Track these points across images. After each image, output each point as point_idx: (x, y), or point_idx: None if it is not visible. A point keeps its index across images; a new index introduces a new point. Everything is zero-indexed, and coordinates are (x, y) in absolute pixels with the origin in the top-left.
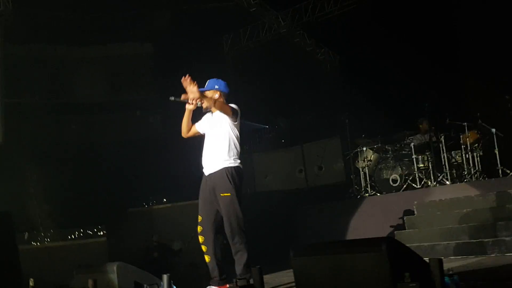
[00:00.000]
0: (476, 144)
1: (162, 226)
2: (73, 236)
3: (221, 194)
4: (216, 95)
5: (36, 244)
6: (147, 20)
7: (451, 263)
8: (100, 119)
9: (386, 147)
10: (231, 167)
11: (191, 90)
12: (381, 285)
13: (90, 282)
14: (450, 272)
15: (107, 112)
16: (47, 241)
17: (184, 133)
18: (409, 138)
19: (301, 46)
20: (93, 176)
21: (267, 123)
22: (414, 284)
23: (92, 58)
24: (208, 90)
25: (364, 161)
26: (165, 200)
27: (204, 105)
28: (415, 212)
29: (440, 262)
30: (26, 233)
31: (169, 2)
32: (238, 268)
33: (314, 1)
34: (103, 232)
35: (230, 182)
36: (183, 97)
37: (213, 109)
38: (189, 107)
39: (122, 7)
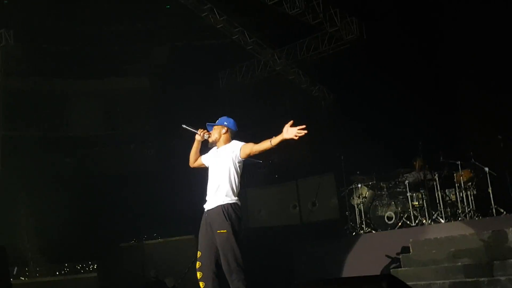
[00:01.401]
0: (470, 183)
1: (154, 262)
2: (63, 272)
3: (218, 231)
4: (223, 130)
5: (26, 279)
6: (144, 55)
7: None
8: (95, 152)
9: (381, 184)
10: (227, 203)
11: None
12: None
13: None
14: None
15: (102, 145)
16: (37, 276)
17: (191, 163)
18: (403, 175)
19: (296, 83)
20: (86, 210)
21: (261, 158)
22: None
23: (89, 92)
24: (217, 125)
25: (359, 198)
26: (155, 235)
27: (211, 139)
28: (411, 250)
29: None
30: (16, 268)
31: (167, 38)
32: None
33: (309, 40)
34: (93, 267)
35: (226, 219)
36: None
37: (218, 144)
38: (197, 138)
39: (120, 42)
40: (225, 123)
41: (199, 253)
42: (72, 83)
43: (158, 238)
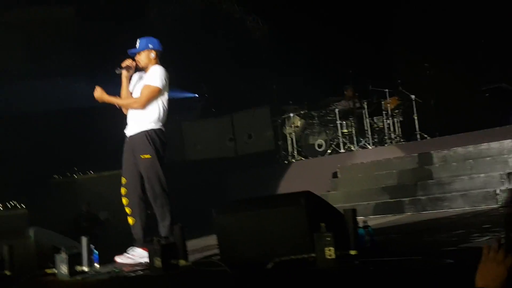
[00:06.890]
0: (397, 110)
1: (87, 197)
2: None
3: (141, 156)
4: (152, 55)
5: None
6: None
7: (371, 221)
8: (21, 87)
9: (312, 113)
10: (151, 129)
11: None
12: (300, 236)
13: (5, 248)
14: (365, 223)
15: (28, 79)
16: None
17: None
18: (334, 104)
19: (230, 13)
20: (14, 146)
21: (195, 91)
22: (328, 234)
23: (10, 23)
24: (142, 50)
25: (291, 127)
26: (91, 172)
27: (140, 65)
28: (339, 175)
29: (354, 212)
30: None
31: None
32: (162, 231)
33: None
34: (22, 205)
35: (150, 144)
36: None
37: (146, 69)
38: (124, 74)
39: None
40: (150, 45)
41: (123, 180)
42: None
43: (91, 173)
